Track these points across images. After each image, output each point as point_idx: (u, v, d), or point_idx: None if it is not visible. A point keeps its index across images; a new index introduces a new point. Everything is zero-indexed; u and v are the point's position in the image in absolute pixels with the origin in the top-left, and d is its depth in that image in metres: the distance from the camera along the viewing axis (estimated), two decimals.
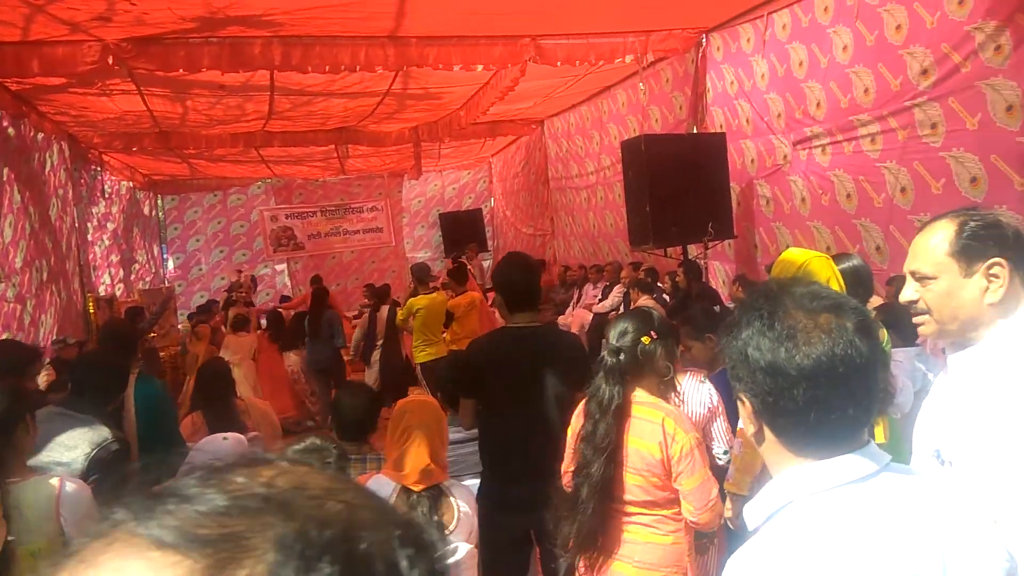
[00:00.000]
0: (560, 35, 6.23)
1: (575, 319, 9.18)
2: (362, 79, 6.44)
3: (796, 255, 2.75)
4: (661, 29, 6.63)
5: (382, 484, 2.37)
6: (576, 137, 10.51)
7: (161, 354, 9.22)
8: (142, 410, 3.36)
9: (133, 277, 11.60)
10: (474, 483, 2.90)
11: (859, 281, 2.95)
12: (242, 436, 2.79)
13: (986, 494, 1.25)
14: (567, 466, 2.44)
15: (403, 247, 14.86)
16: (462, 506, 2.41)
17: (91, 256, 9.43)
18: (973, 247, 1.40)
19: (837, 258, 3.03)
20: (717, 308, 4.01)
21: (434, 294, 6.79)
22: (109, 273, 10.43)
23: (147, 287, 11.54)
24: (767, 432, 1.05)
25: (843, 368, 0.98)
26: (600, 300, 8.87)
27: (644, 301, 6.74)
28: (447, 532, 2.35)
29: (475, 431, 2.97)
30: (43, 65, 4.89)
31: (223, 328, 8.28)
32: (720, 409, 3.03)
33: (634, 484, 2.29)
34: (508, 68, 6.54)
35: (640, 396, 2.33)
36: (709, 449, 3.01)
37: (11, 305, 6.24)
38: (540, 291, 2.99)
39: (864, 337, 1.00)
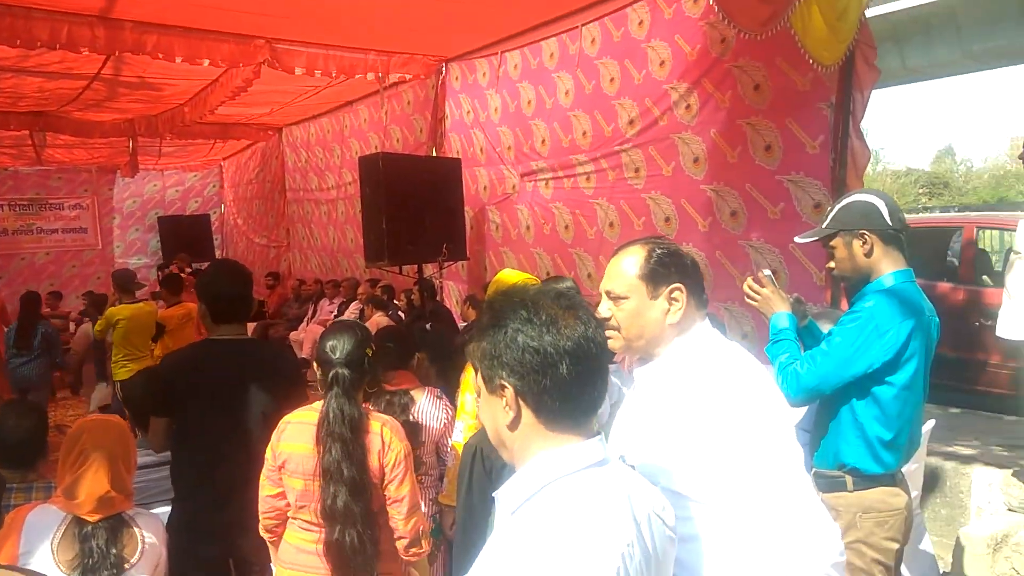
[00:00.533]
0: (298, 42, 6.05)
1: (308, 334, 8.91)
2: (64, 58, 5.66)
3: (509, 275, 2.93)
4: (403, 52, 6.74)
5: (48, 514, 2.08)
6: (316, 148, 10.24)
7: None
8: None
9: None
10: (165, 511, 2.64)
11: None
12: None
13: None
14: (269, 492, 2.30)
15: (112, 251, 13.28)
16: (147, 536, 2.18)
17: None
18: (659, 272, 1.55)
19: (552, 280, 3.30)
20: (428, 326, 4.13)
21: (140, 304, 6.15)
22: None
23: None
24: (526, 414, 1.16)
25: (594, 349, 1.17)
26: (336, 316, 8.70)
27: (378, 318, 6.74)
28: (128, 566, 2.11)
29: (167, 454, 2.71)
30: None
31: None
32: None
33: None
34: (240, 68, 6.17)
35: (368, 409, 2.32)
36: (444, 459, 3.10)
37: None
38: (250, 302, 2.81)
39: (600, 327, 1.22)
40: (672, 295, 1.54)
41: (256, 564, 2.59)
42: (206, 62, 5.68)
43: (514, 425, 1.17)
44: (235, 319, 2.69)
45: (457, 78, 7.14)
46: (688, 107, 4.92)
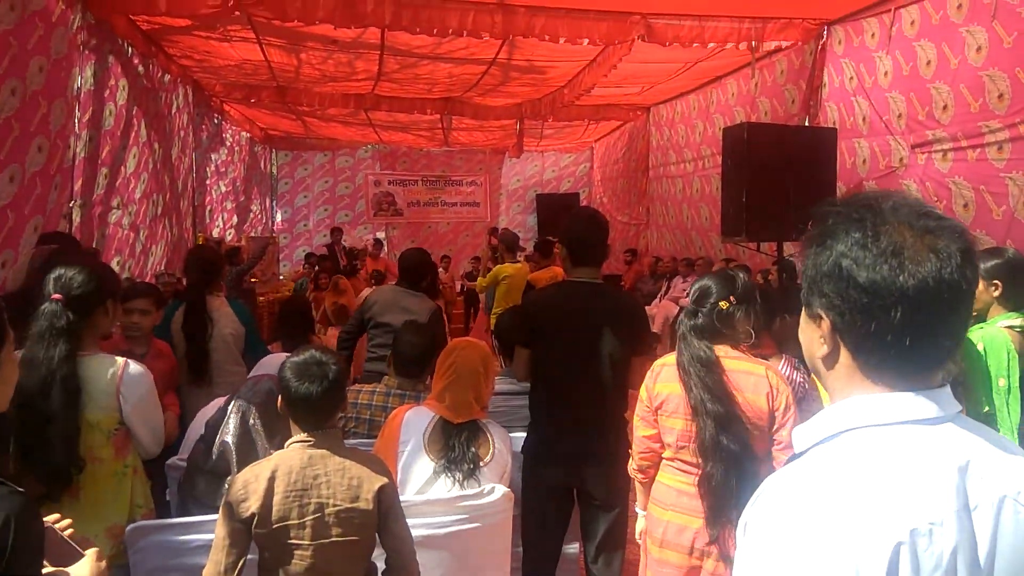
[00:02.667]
0: (672, 15, 6.09)
1: (660, 310, 9.07)
2: (468, 45, 6.50)
3: None
4: (780, 17, 6.37)
5: (422, 413, 2.45)
6: (679, 126, 10.28)
7: (260, 299, 9.75)
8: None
9: (247, 225, 12.22)
10: (523, 436, 2.91)
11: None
12: None
13: None
14: (644, 433, 2.38)
15: (498, 224, 14.99)
16: (498, 443, 2.46)
17: (207, 199, 10.00)
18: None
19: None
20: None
21: (519, 264, 6.82)
22: (222, 217, 11.02)
23: (257, 235, 12.15)
24: (843, 354, 0.97)
25: (948, 294, 0.90)
26: (688, 294, 8.69)
27: None
28: (482, 464, 2.39)
29: (528, 384, 2.97)
30: (170, 5, 5.19)
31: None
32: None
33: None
34: (615, 45, 6.44)
35: (730, 353, 2.30)
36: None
37: (125, 232, 6.70)
38: (606, 249, 2.94)
39: (969, 264, 0.92)
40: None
41: (596, 499, 2.71)
42: (585, 41, 6.03)
43: (828, 362, 0.98)
44: (591, 262, 2.85)
45: (840, 41, 6.53)
46: None
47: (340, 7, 5.39)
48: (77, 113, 5.44)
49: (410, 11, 5.51)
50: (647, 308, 9.32)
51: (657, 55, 6.77)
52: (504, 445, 2.48)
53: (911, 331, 0.90)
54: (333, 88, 8.89)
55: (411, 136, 12.63)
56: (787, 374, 2.87)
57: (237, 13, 5.41)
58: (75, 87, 5.33)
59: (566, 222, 2.92)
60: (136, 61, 6.64)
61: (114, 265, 6.37)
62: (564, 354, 2.76)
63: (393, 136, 12.78)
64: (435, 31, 5.70)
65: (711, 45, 6.36)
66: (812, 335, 1.01)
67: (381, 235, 14.88)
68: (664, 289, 9.78)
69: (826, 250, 0.96)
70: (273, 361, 2.67)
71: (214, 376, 3.66)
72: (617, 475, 2.66)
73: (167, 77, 7.58)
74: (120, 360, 2.31)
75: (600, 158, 14.66)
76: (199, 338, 3.61)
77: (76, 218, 5.54)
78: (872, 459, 0.89)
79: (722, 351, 2.28)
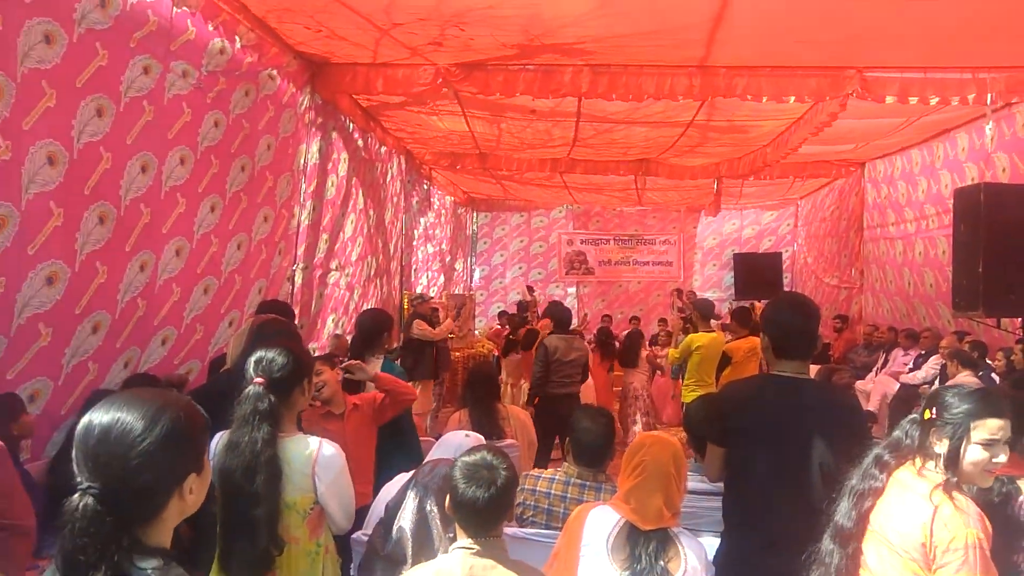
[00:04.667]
0: (892, 67, 5.57)
1: (878, 386, 8.24)
2: (665, 108, 6.39)
3: None
4: (1021, 66, 5.61)
5: (605, 514, 2.27)
6: (898, 183, 9.36)
7: (456, 354, 10.11)
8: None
9: (451, 284, 12.85)
10: (713, 543, 2.64)
11: None
12: (481, 437, 2.85)
13: None
14: None
15: (691, 284, 14.52)
16: (691, 559, 2.21)
17: (413, 260, 10.66)
18: None
19: None
20: None
21: (714, 333, 6.46)
22: (427, 276, 11.66)
23: (458, 293, 12.73)
24: None
25: None
26: (911, 370, 7.84)
27: (963, 378, 5.80)
28: None
29: (720, 484, 2.70)
30: (386, 84, 5.65)
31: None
32: None
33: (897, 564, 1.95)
34: (826, 102, 6.01)
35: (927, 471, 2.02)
36: None
37: (342, 292, 7.27)
38: (816, 339, 2.61)
39: None
40: None
41: None
42: (791, 99, 5.68)
43: None
44: (798, 355, 2.54)
45: None
46: None
47: (539, 79, 5.54)
48: (303, 184, 6.03)
49: (606, 78, 5.53)
50: (860, 383, 8.47)
51: (874, 110, 6.23)
52: (700, 563, 2.21)
53: None
54: (531, 154, 9.16)
55: (604, 196, 12.69)
56: None
57: (445, 89, 5.78)
58: (301, 161, 5.92)
59: (768, 308, 2.63)
60: (356, 135, 7.28)
61: (329, 323, 6.92)
62: (765, 460, 2.46)
63: (587, 197, 12.92)
64: (631, 97, 5.66)
65: (934, 101, 5.72)
66: None
67: (571, 290, 14.98)
68: (881, 362, 8.83)
69: None
70: (452, 440, 2.66)
71: None
72: None
73: (383, 148, 8.24)
74: (315, 441, 2.39)
75: (806, 216, 13.77)
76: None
77: (298, 280, 6.08)
78: None
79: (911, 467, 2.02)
